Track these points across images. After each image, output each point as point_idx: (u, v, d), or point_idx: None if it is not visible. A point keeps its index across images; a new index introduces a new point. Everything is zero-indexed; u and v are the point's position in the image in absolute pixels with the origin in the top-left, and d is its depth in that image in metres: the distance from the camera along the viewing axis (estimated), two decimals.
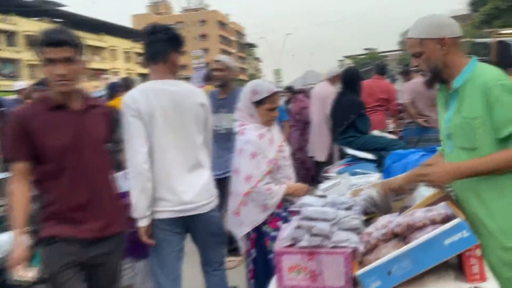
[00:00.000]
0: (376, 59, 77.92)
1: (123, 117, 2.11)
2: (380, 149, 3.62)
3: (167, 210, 2.14)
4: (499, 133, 1.54)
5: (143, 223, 2.10)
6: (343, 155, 4.64)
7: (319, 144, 5.51)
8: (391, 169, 2.29)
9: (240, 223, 2.26)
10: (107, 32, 41.56)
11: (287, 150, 2.35)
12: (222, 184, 3.04)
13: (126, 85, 4.96)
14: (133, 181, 2.09)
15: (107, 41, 42.33)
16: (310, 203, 1.71)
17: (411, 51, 1.71)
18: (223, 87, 3.68)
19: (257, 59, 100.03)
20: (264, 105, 2.23)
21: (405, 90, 5.23)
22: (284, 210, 2.25)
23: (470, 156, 1.60)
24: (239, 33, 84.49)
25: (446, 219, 1.39)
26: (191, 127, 2.19)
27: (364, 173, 3.57)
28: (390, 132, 5.75)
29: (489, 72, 1.60)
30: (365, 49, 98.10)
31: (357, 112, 3.73)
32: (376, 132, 4.00)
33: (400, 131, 5.54)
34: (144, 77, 44.59)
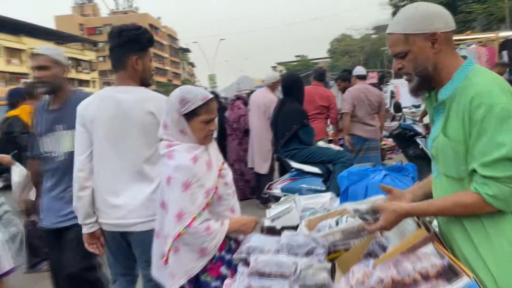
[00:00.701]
0: (308, 66, 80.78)
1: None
2: (327, 161, 3.35)
3: (104, 222, 2.06)
4: (467, 165, 1.24)
5: (83, 230, 2.08)
6: (284, 168, 4.36)
7: (260, 155, 5.18)
8: (350, 191, 1.96)
9: (171, 274, 1.68)
10: (27, 33, 38.50)
11: (229, 173, 1.83)
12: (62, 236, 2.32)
13: (29, 92, 4.13)
14: (73, 187, 2.08)
15: (27, 43, 39.19)
16: (260, 247, 1.33)
17: (393, 50, 1.35)
18: (54, 93, 2.40)
19: (190, 64, 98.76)
20: (199, 116, 1.72)
21: (346, 98, 5.05)
22: (227, 251, 1.74)
23: (456, 187, 1.29)
24: (172, 37, 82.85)
25: (442, 272, 1.07)
26: (136, 138, 1.98)
27: (311, 188, 3.30)
28: (330, 141, 5.58)
29: (482, 83, 1.25)
30: (297, 56, 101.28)
31: (300, 122, 3.44)
32: (321, 143, 3.73)
33: (340, 139, 5.39)
34: (68, 80, 42.39)
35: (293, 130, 3.42)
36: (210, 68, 52.84)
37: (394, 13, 32.06)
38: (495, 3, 15.53)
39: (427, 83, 1.35)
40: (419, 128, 3.46)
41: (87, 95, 2.25)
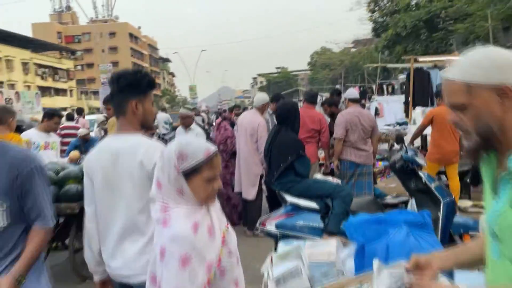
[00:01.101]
0: (288, 78, 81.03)
1: None
2: (325, 196, 3.14)
3: (108, 271, 2.07)
4: None
5: (95, 278, 2.13)
6: (272, 192, 4.13)
7: (247, 180, 4.94)
8: (367, 250, 1.71)
9: None
10: (2, 41, 37.48)
11: (233, 237, 1.53)
12: None
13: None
14: (84, 237, 2.13)
15: (2, 50, 38.13)
16: None
17: (451, 100, 1.12)
18: None
19: (171, 74, 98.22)
20: (201, 174, 1.42)
21: (339, 122, 4.85)
22: None
23: None
24: (152, 47, 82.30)
25: None
26: (128, 189, 1.94)
27: (308, 225, 3.07)
28: (321, 165, 5.39)
29: None
30: (277, 67, 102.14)
31: (296, 153, 3.22)
32: (318, 176, 3.51)
33: (331, 162, 5.21)
34: (43, 90, 41.11)
35: (288, 161, 3.20)
36: (191, 79, 52.46)
37: (373, 29, 32.63)
38: (477, 21, 15.77)
39: (488, 145, 1.11)
40: (421, 160, 3.29)
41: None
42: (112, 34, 61.31)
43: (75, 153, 5.32)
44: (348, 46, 52.64)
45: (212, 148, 1.48)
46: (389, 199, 5.90)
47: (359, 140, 4.74)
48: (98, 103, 35.13)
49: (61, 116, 5.27)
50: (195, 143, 1.47)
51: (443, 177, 5.51)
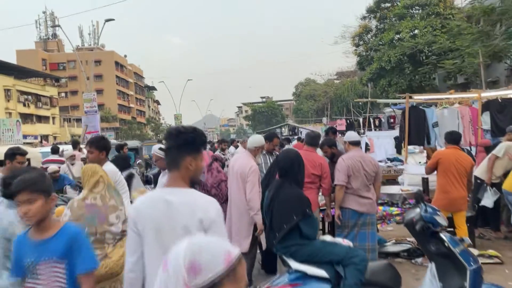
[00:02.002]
0: (273, 108, 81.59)
1: None
2: (335, 262, 2.74)
3: None
4: None
5: None
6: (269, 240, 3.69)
7: (239, 231, 4.48)
8: None
9: None
10: None
11: None
12: None
13: None
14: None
15: None
16: None
17: None
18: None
19: (156, 102, 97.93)
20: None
21: (340, 168, 4.47)
22: None
23: None
24: (138, 75, 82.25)
25: None
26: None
27: None
28: (322, 210, 5.01)
29: None
30: (262, 97, 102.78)
31: (302, 211, 2.82)
32: (327, 237, 3.07)
33: (332, 208, 4.82)
34: (25, 117, 40.24)
35: (293, 222, 2.79)
36: (176, 107, 52.19)
37: (358, 62, 33.14)
38: (466, 58, 15.89)
39: None
40: (442, 220, 2.94)
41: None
42: (98, 62, 60.97)
43: (59, 210, 4.11)
44: (331, 78, 53.42)
45: (234, 251, 1.07)
46: (389, 247, 5.55)
47: (362, 187, 4.37)
48: (80, 130, 34.39)
49: (23, 154, 4.47)
50: (211, 247, 1.07)
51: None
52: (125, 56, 75.90)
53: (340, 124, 21.36)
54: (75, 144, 10.12)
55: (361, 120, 20.48)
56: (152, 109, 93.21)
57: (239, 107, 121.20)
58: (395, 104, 15.49)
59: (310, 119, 34.40)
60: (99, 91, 51.41)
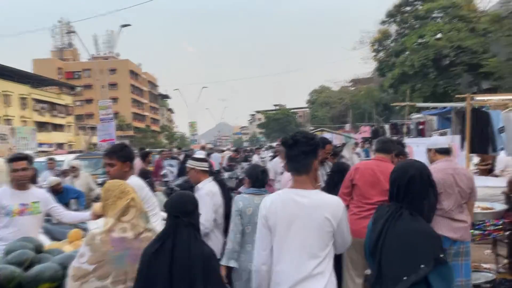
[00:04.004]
0: (287, 115, 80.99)
1: None
2: None
3: None
4: None
5: None
6: None
7: None
8: None
9: None
10: (1, 76, 36.87)
11: None
12: None
13: None
14: (253, 276, 2.37)
15: (0, 85, 37.45)
16: None
17: None
18: None
19: (169, 110, 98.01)
20: None
21: None
22: None
23: None
24: (152, 84, 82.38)
25: None
26: (313, 241, 2.20)
27: None
28: None
29: None
30: (275, 105, 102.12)
31: (433, 257, 1.97)
32: None
33: None
34: (41, 125, 40.44)
35: (420, 272, 1.92)
36: (191, 115, 51.82)
37: (378, 68, 32.26)
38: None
39: None
40: None
41: None
42: (113, 70, 61.09)
43: (75, 234, 3.58)
44: (346, 85, 52.52)
45: None
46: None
47: (455, 207, 3.46)
48: (95, 138, 34.08)
49: (31, 160, 3.57)
50: None
51: None
52: (140, 64, 76.15)
53: (364, 131, 20.44)
54: (145, 155, 9.13)
55: (386, 127, 19.54)
56: (166, 117, 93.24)
57: (252, 115, 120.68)
58: (427, 109, 14.53)
59: (332, 125, 33.41)
60: (114, 100, 51.24)
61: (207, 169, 3.85)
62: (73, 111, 52.31)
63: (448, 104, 10.10)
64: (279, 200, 2.26)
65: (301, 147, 2.23)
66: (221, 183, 4.16)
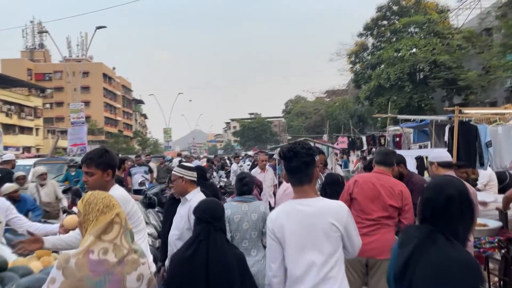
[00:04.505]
0: (263, 124, 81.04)
1: None
2: None
3: None
4: None
5: None
6: None
7: None
8: None
9: None
10: None
11: None
12: None
13: None
14: None
15: None
16: None
17: None
18: None
19: (143, 115, 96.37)
20: None
21: None
22: None
23: None
24: (126, 88, 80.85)
25: None
26: (321, 247, 2.22)
27: None
28: None
29: None
30: (250, 113, 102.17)
31: None
32: None
33: None
34: (7, 127, 38.57)
35: None
36: (166, 121, 50.95)
37: (354, 80, 32.62)
38: (496, 71, 14.83)
39: None
40: None
41: None
42: (86, 73, 59.51)
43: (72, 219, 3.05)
44: (321, 96, 52.97)
45: None
46: None
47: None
48: (65, 142, 32.96)
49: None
50: None
51: None
52: (114, 68, 74.65)
53: (342, 142, 20.44)
54: (120, 163, 7.64)
55: (364, 138, 19.62)
56: (140, 122, 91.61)
57: (227, 123, 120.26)
58: (405, 121, 14.62)
59: (308, 135, 33.45)
60: (86, 103, 49.82)
61: (195, 179, 3.53)
62: (42, 114, 50.53)
63: (429, 117, 10.16)
64: (284, 212, 2.29)
65: (301, 158, 2.26)
66: (212, 187, 4.17)
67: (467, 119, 6.73)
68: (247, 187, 3.71)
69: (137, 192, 9.24)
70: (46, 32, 24.83)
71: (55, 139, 19.84)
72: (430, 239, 1.81)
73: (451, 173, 3.54)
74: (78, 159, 9.60)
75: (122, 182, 7.70)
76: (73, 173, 9.08)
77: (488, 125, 6.23)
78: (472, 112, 7.14)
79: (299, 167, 2.28)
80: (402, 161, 4.45)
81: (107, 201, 1.92)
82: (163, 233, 4.22)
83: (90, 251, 1.80)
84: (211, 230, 2.42)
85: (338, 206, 2.30)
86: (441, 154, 3.85)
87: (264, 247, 3.55)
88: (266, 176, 7.83)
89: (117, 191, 2.69)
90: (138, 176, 10.34)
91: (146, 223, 6.01)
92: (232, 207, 3.56)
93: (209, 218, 2.44)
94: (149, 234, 4.72)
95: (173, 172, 3.60)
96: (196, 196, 3.41)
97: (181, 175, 3.48)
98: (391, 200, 3.40)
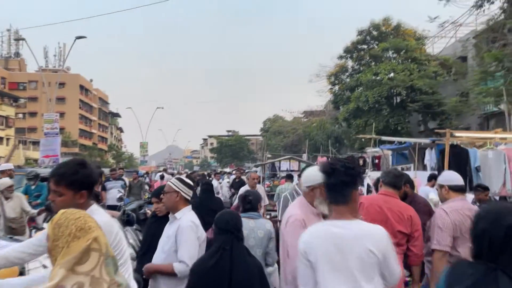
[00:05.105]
0: (241, 141, 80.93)
1: None
2: None
3: None
4: None
5: None
6: None
7: None
8: None
9: None
10: None
11: None
12: None
13: None
14: None
15: None
16: None
17: None
18: None
19: (119, 129, 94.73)
20: None
21: (442, 224, 3.11)
22: None
23: None
24: (103, 101, 79.50)
25: None
26: (356, 273, 2.07)
27: None
28: (406, 283, 3.72)
29: None
30: (228, 131, 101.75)
31: None
32: None
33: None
34: None
35: None
36: (143, 136, 50.00)
37: (333, 101, 32.92)
38: (478, 97, 14.96)
39: None
40: None
41: None
42: (62, 84, 58.23)
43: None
44: (298, 116, 53.36)
45: None
46: None
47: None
48: (37, 154, 31.77)
49: None
50: None
51: None
52: (91, 80, 73.41)
53: (322, 162, 20.40)
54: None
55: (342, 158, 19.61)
56: (115, 136, 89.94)
57: (205, 139, 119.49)
58: (384, 143, 14.67)
59: (287, 154, 33.40)
60: (61, 114, 48.57)
61: (190, 198, 3.23)
62: (14, 124, 48.91)
63: (412, 140, 10.17)
64: (317, 233, 2.17)
65: (339, 177, 2.12)
66: (220, 203, 4.15)
67: (457, 142, 6.69)
68: (250, 205, 3.71)
69: (112, 207, 8.70)
70: (23, 39, 24.15)
71: (13, 147, 19.09)
72: (490, 278, 1.54)
73: (463, 197, 3.36)
74: (46, 171, 8.99)
75: (98, 197, 7.28)
76: (33, 187, 8.15)
77: (478, 149, 6.20)
78: (462, 135, 7.12)
79: (337, 185, 2.15)
80: (409, 180, 4.25)
81: (81, 223, 1.55)
82: (141, 254, 3.85)
83: (61, 286, 1.46)
84: (234, 240, 2.55)
85: (377, 231, 2.13)
86: (452, 176, 3.55)
87: (267, 265, 3.54)
88: None
89: (97, 217, 2.17)
90: (114, 191, 9.76)
91: None
92: None
93: (232, 228, 2.56)
94: None
95: (168, 183, 3.24)
96: (186, 215, 3.12)
97: (177, 190, 3.14)
98: (400, 226, 3.17)
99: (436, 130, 8.83)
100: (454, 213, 3.08)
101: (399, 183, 3.47)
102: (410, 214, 3.24)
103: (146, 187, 15.20)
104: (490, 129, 17.23)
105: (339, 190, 2.15)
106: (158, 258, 3.09)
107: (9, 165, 8.36)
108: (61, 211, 1.61)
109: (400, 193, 3.54)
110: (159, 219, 3.57)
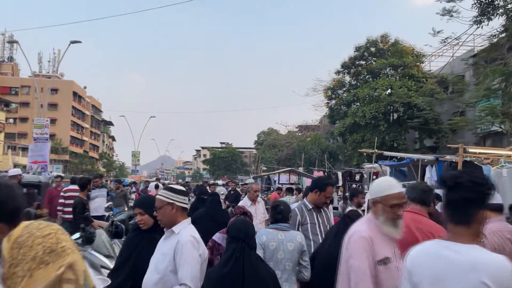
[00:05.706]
0: (234, 154, 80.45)
1: None
2: None
3: None
4: None
5: None
6: None
7: None
8: None
9: None
10: None
11: None
12: None
13: None
14: None
15: None
16: None
17: None
18: None
19: (111, 137, 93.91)
20: None
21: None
22: None
23: None
24: (96, 108, 78.85)
25: None
26: None
27: None
28: None
29: None
30: (221, 142, 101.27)
31: None
32: None
33: None
34: None
35: None
36: (135, 144, 49.42)
37: (329, 115, 32.75)
38: (483, 116, 14.68)
39: None
40: None
41: None
42: (55, 90, 57.62)
43: None
44: (293, 130, 53.19)
45: None
46: None
47: None
48: (25, 160, 31.06)
49: None
50: None
51: None
52: (85, 87, 72.86)
53: (318, 175, 20.07)
54: (85, 184, 7.23)
55: (339, 174, 19.32)
56: (107, 144, 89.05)
57: (198, 151, 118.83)
58: (384, 159, 14.37)
59: (279, 168, 32.91)
60: (52, 121, 47.91)
61: (187, 206, 2.80)
62: (4, 129, 48.09)
63: (415, 156, 9.87)
64: (425, 253, 1.93)
65: (463, 192, 1.82)
66: (227, 215, 4.17)
67: (469, 158, 6.37)
68: (281, 215, 3.56)
69: (98, 217, 8.02)
70: (16, 42, 23.74)
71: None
72: None
73: (502, 218, 2.98)
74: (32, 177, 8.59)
75: (85, 206, 6.82)
76: None
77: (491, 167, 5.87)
78: (476, 152, 6.81)
79: (459, 202, 1.85)
80: (438, 196, 3.86)
81: (51, 242, 1.11)
82: (114, 269, 3.29)
83: None
84: (246, 247, 2.56)
85: (497, 262, 1.74)
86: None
87: (298, 281, 3.37)
88: (258, 210, 6.91)
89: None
90: (100, 200, 9.02)
91: (111, 256, 5.15)
92: (268, 233, 3.49)
93: (244, 236, 2.58)
94: None
95: (158, 196, 2.80)
96: (186, 229, 2.68)
97: (171, 201, 2.71)
98: None
99: (448, 145, 8.50)
100: (494, 236, 2.72)
101: (427, 199, 3.09)
102: (440, 236, 2.83)
103: (132, 196, 14.56)
104: None
105: (462, 208, 1.85)
106: (151, 279, 2.63)
107: (18, 171, 8.27)
108: (24, 223, 1.15)
109: (430, 210, 3.15)
110: (142, 233, 3.11)
